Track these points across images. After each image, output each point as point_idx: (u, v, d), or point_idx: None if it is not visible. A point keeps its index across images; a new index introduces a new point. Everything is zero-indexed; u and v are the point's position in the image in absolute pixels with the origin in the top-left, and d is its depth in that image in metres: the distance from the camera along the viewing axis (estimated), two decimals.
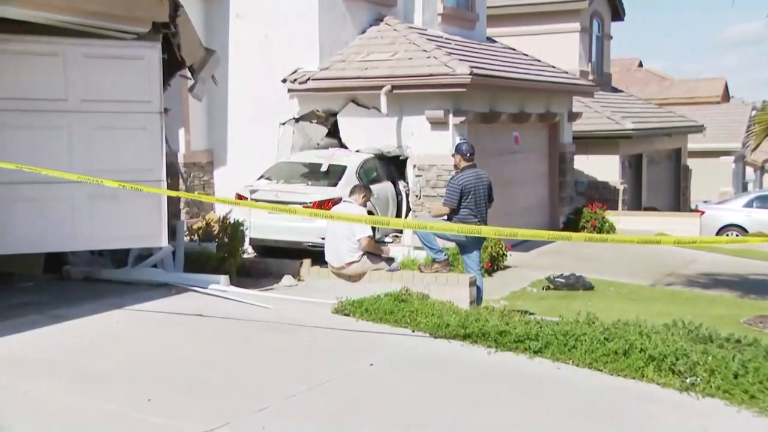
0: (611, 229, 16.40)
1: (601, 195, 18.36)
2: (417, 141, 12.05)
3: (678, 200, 23.27)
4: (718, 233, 17.79)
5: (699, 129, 23.19)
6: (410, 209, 12.22)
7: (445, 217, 8.18)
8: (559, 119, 15.85)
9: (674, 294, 10.87)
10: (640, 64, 35.35)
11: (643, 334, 5.42)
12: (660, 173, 22.40)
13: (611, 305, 9.45)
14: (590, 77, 19.89)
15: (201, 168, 13.25)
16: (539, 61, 16.10)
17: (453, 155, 8.57)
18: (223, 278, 7.68)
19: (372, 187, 9.87)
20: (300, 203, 10.47)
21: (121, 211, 7.48)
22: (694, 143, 24.75)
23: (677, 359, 4.95)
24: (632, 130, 18.19)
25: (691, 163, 24.18)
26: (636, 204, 20.30)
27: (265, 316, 6.66)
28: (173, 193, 8.20)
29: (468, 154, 8.18)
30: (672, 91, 31.17)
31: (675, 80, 33.13)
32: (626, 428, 4.28)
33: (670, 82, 32.69)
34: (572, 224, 16.17)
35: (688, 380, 4.78)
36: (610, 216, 16.70)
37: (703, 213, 18.18)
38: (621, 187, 18.70)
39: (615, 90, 22.85)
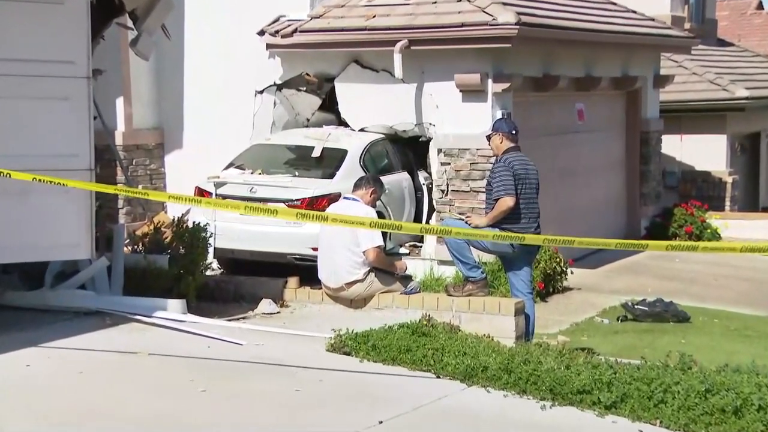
0: (714, 236, 16.30)
1: (701, 190, 18.29)
2: (444, 116, 12.04)
3: None
4: None
5: None
6: (434, 209, 12.21)
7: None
8: (640, 85, 15.81)
9: None
10: (760, 6, 35.13)
11: (763, 386, 5.39)
12: None
13: (715, 344, 9.41)
14: (686, 26, 19.80)
15: (147, 152, 13.31)
16: (614, 4, 16.09)
17: (488, 135, 8.48)
18: (178, 303, 7.70)
19: (382, 179, 9.86)
20: (284, 201, 10.48)
21: (32, 211, 7.42)
22: None
23: None
24: (746, 99, 18.10)
25: None
26: (751, 203, 20.21)
27: (235, 354, 6.66)
28: (108, 189, 8.16)
29: (512, 132, 8.20)
30: None
31: None
32: None
33: None
34: (658, 230, 16.09)
35: None
36: (714, 219, 16.61)
37: None
38: (729, 180, 18.61)
39: (722, 43, 22.76)
